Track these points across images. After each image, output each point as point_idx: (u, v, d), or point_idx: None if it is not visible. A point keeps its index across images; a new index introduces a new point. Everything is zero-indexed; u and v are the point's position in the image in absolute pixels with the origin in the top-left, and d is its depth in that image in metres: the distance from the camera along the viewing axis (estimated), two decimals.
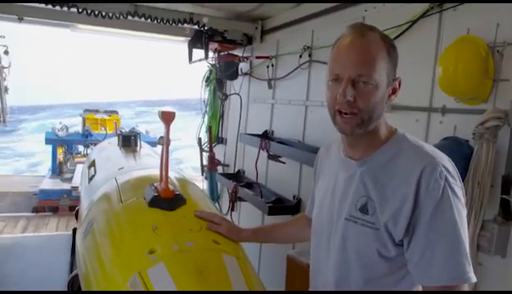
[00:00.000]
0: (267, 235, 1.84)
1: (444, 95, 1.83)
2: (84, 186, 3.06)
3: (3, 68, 4.89)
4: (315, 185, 1.53)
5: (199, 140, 4.80)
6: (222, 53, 4.20)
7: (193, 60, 4.07)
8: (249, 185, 3.74)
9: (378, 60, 1.14)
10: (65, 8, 3.11)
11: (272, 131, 3.64)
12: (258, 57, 3.77)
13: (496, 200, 1.66)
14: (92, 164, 3.23)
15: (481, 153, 1.65)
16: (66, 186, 8.34)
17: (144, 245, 1.43)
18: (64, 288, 3.49)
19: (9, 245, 5.39)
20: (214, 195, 4.67)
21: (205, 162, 4.72)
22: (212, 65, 4.52)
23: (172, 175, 1.97)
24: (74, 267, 3.82)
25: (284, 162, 3.27)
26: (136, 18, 3.37)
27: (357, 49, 1.15)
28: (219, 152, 4.76)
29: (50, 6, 3.08)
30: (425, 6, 2.02)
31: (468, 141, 1.75)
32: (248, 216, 3.92)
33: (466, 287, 1.11)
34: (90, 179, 2.94)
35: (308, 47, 3.04)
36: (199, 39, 3.82)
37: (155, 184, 1.78)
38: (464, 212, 1.13)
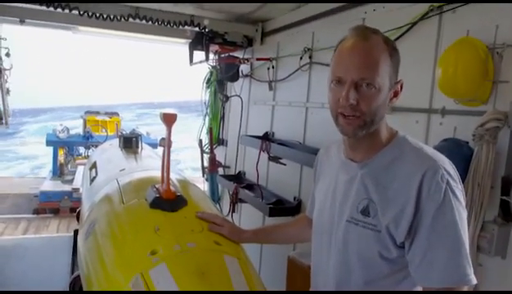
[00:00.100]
0: (268, 236, 1.85)
1: (444, 97, 1.84)
2: (85, 188, 3.07)
3: (5, 70, 4.90)
4: (315, 186, 1.53)
5: (200, 141, 4.81)
6: (222, 55, 4.21)
7: (194, 61, 4.07)
8: (250, 187, 3.74)
9: (381, 64, 1.15)
10: (67, 10, 3.13)
11: (273, 133, 3.64)
12: (258, 59, 3.77)
13: (496, 201, 1.67)
14: (94, 166, 3.24)
15: (481, 154, 1.65)
16: (67, 188, 8.37)
17: (146, 246, 1.44)
18: (65, 290, 3.49)
19: (10, 247, 5.39)
20: (215, 197, 4.68)
21: (206, 164, 4.74)
22: (212, 67, 4.53)
23: (173, 176, 1.98)
24: (75, 268, 3.82)
25: (284, 164, 3.28)
26: (137, 20, 3.38)
27: (359, 52, 1.16)
28: (220, 153, 4.76)
29: (51, 9, 3.10)
30: (425, 8, 2.03)
31: (468, 143, 1.75)
32: (248, 217, 3.93)
33: (466, 289, 1.12)
34: (91, 180, 2.95)
35: (309, 49, 3.05)
36: (200, 41, 3.83)
37: (157, 186, 1.79)
38: (465, 214, 1.14)
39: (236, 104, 4.31)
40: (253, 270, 1.53)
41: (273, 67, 3.60)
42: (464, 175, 1.69)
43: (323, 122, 2.81)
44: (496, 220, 1.67)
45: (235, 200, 3.77)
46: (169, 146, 1.71)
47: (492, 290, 1.70)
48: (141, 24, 3.46)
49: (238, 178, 4.13)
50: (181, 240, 1.45)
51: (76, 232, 3.52)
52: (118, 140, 3.84)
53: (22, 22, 3.48)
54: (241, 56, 4.02)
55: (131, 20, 3.36)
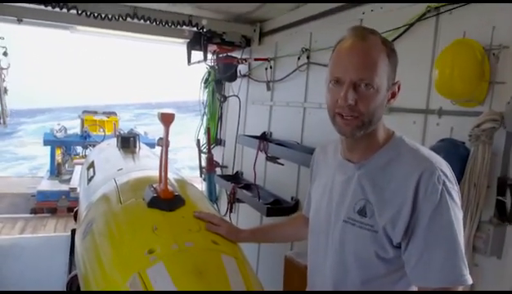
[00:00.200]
0: (265, 235, 1.86)
1: (441, 98, 1.85)
2: (83, 187, 3.07)
3: (2, 69, 4.89)
4: (311, 185, 1.54)
5: (198, 141, 4.81)
6: (220, 55, 4.21)
7: (192, 61, 4.08)
8: (248, 187, 3.75)
9: (379, 64, 1.15)
10: (65, 10, 3.13)
11: (271, 133, 3.65)
12: (256, 59, 3.78)
13: (492, 201, 1.68)
14: (91, 165, 3.24)
15: (477, 154, 1.66)
16: (65, 187, 8.33)
17: (143, 245, 1.44)
18: (62, 289, 3.49)
19: (7, 246, 5.37)
20: (213, 197, 4.68)
21: (204, 164, 4.74)
22: (210, 67, 4.53)
23: (171, 176, 1.99)
24: (72, 268, 3.82)
25: (282, 164, 3.28)
26: (135, 20, 3.38)
27: (358, 53, 1.16)
28: (218, 153, 4.77)
29: (49, 8, 3.10)
30: (422, 9, 2.04)
31: (464, 143, 1.76)
32: (246, 217, 3.93)
33: (461, 289, 1.13)
34: (89, 180, 2.94)
35: (306, 50, 3.06)
36: (198, 41, 3.84)
37: (154, 185, 1.79)
38: (461, 215, 1.14)
39: (234, 104, 4.32)
40: (250, 270, 1.53)
41: (271, 67, 3.61)
42: (460, 176, 1.70)
43: (321, 123, 2.82)
44: (491, 220, 1.68)
45: (233, 200, 3.78)
46: (167, 146, 1.72)
47: (488, 290, 1.70)
48: (139, 23, 3.47)
49: (236, 178, 4.14)
50: (178, 239, 1.45)
51: (73, 231, 3.51)
52: (115, 139, 3.84)
53: (20, 21, 3.47)
54: (239, 56, 4.03)
55: (129, 19, 3.36)
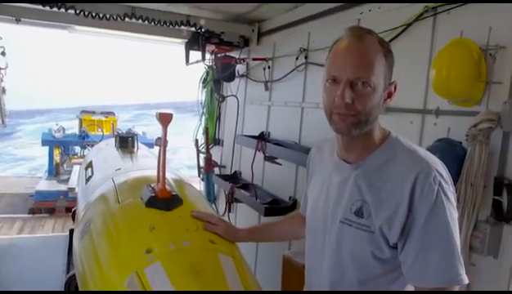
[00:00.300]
0: (263, 234, 1.87)
1: (438, 98, 1.85)
2: (81, 187, 3.07)
3: (0, 69, 4.88)
4: (308, 185, 1.54)
5: (196, 141, 4.82)
6: (218, 55, 4.21)
7: (190, 61, 4.08)
8: (246, 187, 3.75)
9: (376, 64, 1.16)
10: (63, 10, 3.13)
11: (269, 133, 3.65)
12: (254, 59, 3.78)
13: (489, 201, 1.68)
14: (89, 165, 3.24)
15: (474, 154, 1.67)
16: (63, 187, 8.35)
17: (141, 245, 1.44)
18: (60, 289, 3.49)
19: (5, 246, 5.38)
20: (211, 196, 4.69)
21: (202, 164, 4.74)
22: (209, 67, 4.53)
23: (169, 176, 1.99)
24: (70, 268, 3.82)
25: (280, 164, 3.29)
26: (133, 20, 3.38)
27: (355, 52, 1.16)
28: (216, 153, 4.77)
29: (47, 8, 3.09)
30: (419, 9, 2.04)
31: (461, 143, 1.76)
32: (244, 217, 3.94)
33: (457, 288, 1.13)
34: (87, 180, 2.95)
35: (304, 49, 3.06)
36: (196, 41, 3.83)
37: (152, 185, 1.79)
38: (456, 215, 1.15)
39: (232, 104, 4.32)
40: (247, 269, 1.54)
41: (269, 67, 3.61)
42: (457, 175, 1.71)
43: (318, 122, 2.82)
44: (488, 219, 1.69)
45: (231, 200, 3.78)
46: (165, 146, 1.72)
47: (485, 289, 1.71)
48: (138, 23, 3.46)
49: (234, 178, 4.14)
50: (176, 239, 1.46)
51: (71, 231, 3.52)
52: (114, 139, 3.84)
53: (18, 21, 3.47)
54: (237, 56, 4.03)
55: (127, 19, 3.36)
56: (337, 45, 1.21)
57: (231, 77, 4.17)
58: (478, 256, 1.71)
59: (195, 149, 4.85)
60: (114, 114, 12.10)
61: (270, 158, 3.36)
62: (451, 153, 1.74)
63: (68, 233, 4.23)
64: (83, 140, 9.60)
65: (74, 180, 7.48)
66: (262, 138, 3.55)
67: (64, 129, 9.98)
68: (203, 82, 4.83)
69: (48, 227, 7.39)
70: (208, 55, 4.17)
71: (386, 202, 1.17)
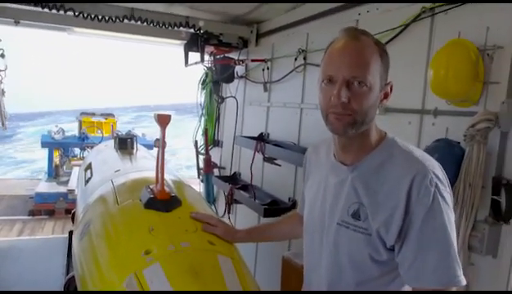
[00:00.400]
0: (261, 234, 1.87)
1: (436, 98, 1.85)
2: (81, 189, 3.07)
3: (0, 71, 4.88)
4: (304, 185, 1.54)
5: (196, 142, 4.82)
6: (217, 56, 4.22)
7: (189, 63, 4.09)
8: (245, 188, 3.75)
9: (372, 63, 1.16)
10: (62, 12, 3.13)
11: (268, 134, 3.66)
12: (253, 60, 3.79)
13: (487, 201, 1.68)
14: (89, 167, 3.24)
15: (472, 154, 1.67)
16: (62, 189, 8.34)
17: (140, 246, 1.45)
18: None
19: (5, 248, 5.37)
20: (210, 198, 4.69)
21: (202, 165, 4.74)
22: (208, 68, 4.54)
23: (168, 177, 2.00)
24: (70, 270, 3.82)
25: (279, 165, 3.29)
26: (132, 21, 3.39)
27: (350, 52, 1.16)
28: (215, 154, 4.77)
29: (46, 10, 3.10)
30: (417, 10, 2.05)
31: (459, 143, 1.77)
32: (244, 218, 3.94)
33: (454, 289, 1.14)
34: (86, 181, 2.95)
35: (303, 50, 3.07)
36: (195, 42, 3.84)
37: (151, 186, 1.80)
38: (453, 217, 1.15)
39: (232, 106, 4.33)
40: (246, 270, 1.54)
41: (268, 68, 3.61)
42: (455, 176, 1.71)
43: (317, 123, 2.80)
44: (487, 219, 1.69)
45: (231, 201, 3.78)
46: (164, 147, 1.72)
47: (484, 289, 1.71)
48: (136, 25, 3.47)
49: (233, 179, 4.14)
50: (175, 240, 1.46)
51: (71, 233, 3.52)
52: (113, 141, 3.84)
53: (17, 23, 3.48)
54: (236, 58, 4.03)
55: (126, 21, 3.36)
56: (332, 45, 1.22)
57: (230, 79, 4.17)
58: (477, 255, 1.71)
59: (194, 151, 4.86)
60: (113, 116, 12.11)
61: (269, 159, 3.36)
62: (450, 154, 1.74)
63: (67, 234, 4.22)
64: (83, 141, 9.59)
65: (73, 182, 7.47)
66: (262, 139, 3.55)
67: (63, 131, 9.98)
68: (202, 84, 4.83)
69: (48, 229, 7.38)
70: (207, 57, 4.18)
71: (383, 205, 1.17)
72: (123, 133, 4.08)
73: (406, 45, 2.14)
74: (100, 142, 6.09)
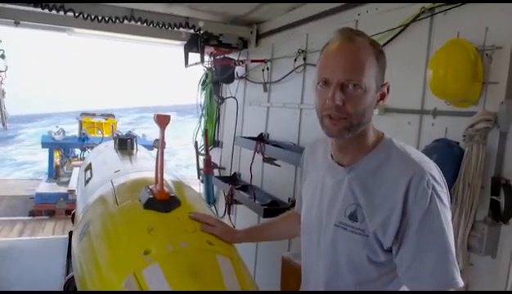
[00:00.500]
0: (260, 234, 1.88)
1: (435, 98, 1.85)
2: (80, 189, 3.08)
3: (0, 72, 4.88)
4: (302, 184, 1.54)
5: (196, 143, 4.82)
6: (217, 57, 4.22)
7: (189, 63, 4.09)
8: (245, 188, 3.75)
9: (367, 65, 1.15)
10: (62, 12, 3.13)
11: (268, 134, 3.66)
12: (253, 61, 3.79)
13: (486, 201, 1.68)
14: (89, 167, 3.25)
15: (471, 154, 1.67)
16: (63, 190, 8.36)
17: (139, 246, 1.45)
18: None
19: (5, 249, 5.38)
20: (211, 198, 4.69)
21: (202, 166, 4.75)
22: (208, 69, 4.54)
23: (167, 177, 2.00)
24: (70, 270, 3.82)
25: (279, 165, 3.29)
26: (132, 22, 3.39)
27: (345, 54, 1.16)
28: (215, 155, 4.77)
29: (46, 10, 3.10)
30: (417, 10, 2.05)
31: (458, 143, 1.76)
32: (244, 218, 3.94)
33: (452, 289, 1.14)
34: (86, 182, 2.95)
35: (303, 51, 3.07)
36: (195, 43, 3.84)
37: (151, 187, 1.80)
38: (450, 217, 1.15)
39: (231, 106, 4.33)
40: (245, 270, 1.54)
41: (268, 69, 3.61)
42: (454, 176, 1.71)
43: (317, 124, 2.77)
44: (486, 219, 1.68)
45: (231, 201, 3.78)
46: (163, 147, 1.73)
47: (483, 289, 1.71)
48: (136, 25, 3.47)
49: (233, 179, 4.14)
50: (174, 240, 1.46)
51: (71, 233, 3.52)
52: (113, 141, 3.85)
53: (17, 24, 3.48)
54: (236, 58, 4.04)
55: (126, 21, 3.37)
56: (327, 47, 1.21)
57: (230, 79, 4.18)
58: (476, 255, 1.71)
59: (194, 151, 4.86)
60: (113, 116, 12.12)
61: (269, 160, 3.36)
62: (449, 154, 1.74)
63: (68, 235, 4.23)
64: (83, 142, 9.61)
65: (73, 183, 7.47)
66: (261, 139, 3.55)
67: (64, 131, 10.01)
68: (202, 84, 4.84)
69: (48, 229, 7.39)
70: (207, 57, 4.18)
71: (380, 207, 1.16)
72: (123, 134, 4.09)
73: (405, 45, 2.14)
74: (100, 143, 6.09)
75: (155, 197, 1.71)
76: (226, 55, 4.12)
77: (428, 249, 1.11)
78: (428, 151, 1.76)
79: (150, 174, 2.03)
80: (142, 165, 3.07)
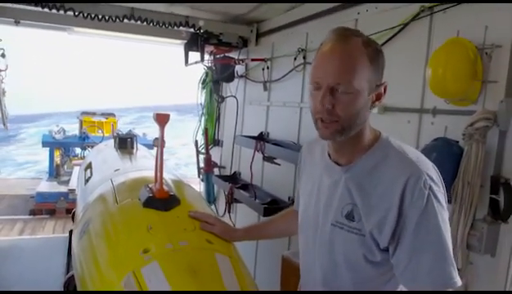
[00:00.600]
0: (259, 232, 1.89)
1: (435, 97, 1.85)
2: (80, 188, 3.08)
3: (0, 71, 4.88)
4: (299, 182, 1.55)
5: (196, 142, 4.82)
6: (217, 56, 4.22)
7: (189, 62, 4.09)
8: (245, 187, 3.75)
9: (358, 68, 1.14)
10: (62, 11, 3.14)
11: (268, 133, 3.66)
12: (253, 60, 3.79)
13: (486, 200, 1.68)
14: (89, 166, 3.25)
15: (471, 153, 1.67)
16: (63, 189, 8.37)
17: (138, 245, 1.45)
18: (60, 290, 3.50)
19: (6, 248, 5.39)
20: (211, 197, 4.69)
21: (202, 164, 4.75)
22: (208, 68, 4.55)
23: (167, 176, 2.00)
24: (70, 269, 3.83)
25: (279, 164, 3.29)
26: (132, 21, 3.39)
27: (336, 57, 1.15)
28: (216, 154, 4.78)
29: (46, 10, 3.10)
30: (416, 9, 2.05)
31: (458, 142, 1.77)
32: (244, 217, 3.94)
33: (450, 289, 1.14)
34: (86, 181, 2.96)
35: (303, 50, 3.07)
36: (195, 42, 3.84)
37: (150, 185, 1.80)
38: (447, 217, 1.15)
39: (232, 105, 4.33)
40: (244, 269, 1.54)
41: (268, 67, 3.61)
42: (454, 175, 1.71)
43: None
44: (485, 218, 1.69)
45: (231, 200, 3.78)
46: (162, 146, 1.73)
47: (482, 288, 1.71)
48: (137, 24, 3.47)
49: (233, 178, 4.14)
50: (173, 239, 1.46)
51: (71, 232, 3.53)
52: (113, 140, 3.85)
53: (17, 23, 3.49)
54: (236, 57, 4.04)
55: (126, 20, 3.37)
56: (321, 48, 1.20)
57: (230, 78, 4.18)
58: (476, 254, 1.71)
59: (194, 150, 4.86)
60: (114, 115, 12.12)
61: (269, 159, 3.36)
62: (448, 153, 1.74)
63: (68, 234, 4.23)
64: (84, 141, 9.61)
65: (74, 182, 7.49)
66: (261, 138, 3.56)
67: (64, 130, 10.01)
68: (202, 83, 4.84)
69: (49, 228, 7.40)
70: (207, 56, 4.18)
71: (376, 207, 1.16)
72: (124, 133, 4.09)
73: (404, 44, 2.14)
74: (100, 142, 6.10)
75: (155, 195, 1.71)
76: (226, 54, 4.12)
77: (425, 249, 1.11)
78: (427, 150, 1.76)
79: (150, 173, 2.03)
80: (142, 164, 3.07)
